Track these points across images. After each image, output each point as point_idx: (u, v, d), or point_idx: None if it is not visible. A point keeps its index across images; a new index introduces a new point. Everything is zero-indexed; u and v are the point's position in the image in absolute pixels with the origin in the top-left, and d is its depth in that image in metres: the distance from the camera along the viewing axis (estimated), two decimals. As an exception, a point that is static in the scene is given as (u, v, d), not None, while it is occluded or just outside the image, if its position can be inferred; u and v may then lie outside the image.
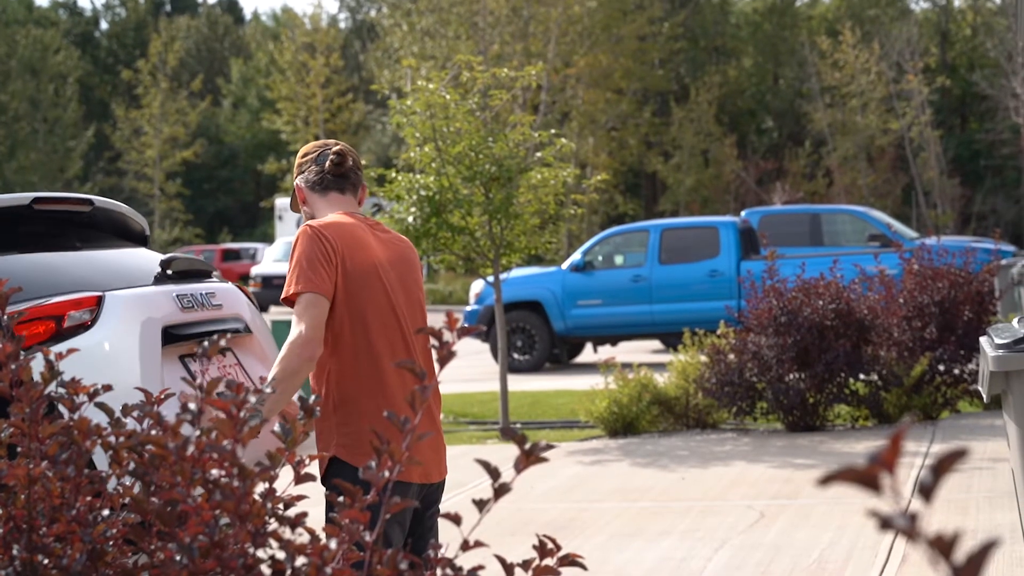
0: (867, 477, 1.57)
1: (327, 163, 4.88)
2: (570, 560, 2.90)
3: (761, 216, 24.78)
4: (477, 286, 21.99)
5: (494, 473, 2.56)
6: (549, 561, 2.85)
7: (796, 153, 57.72)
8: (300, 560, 2.44)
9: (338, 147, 4.89)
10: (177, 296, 6.36)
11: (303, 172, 4.94)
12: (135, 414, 3.00)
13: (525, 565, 2.85)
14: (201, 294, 6.55)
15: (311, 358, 4.50)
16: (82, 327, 5.83)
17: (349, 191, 4.91)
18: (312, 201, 4.91)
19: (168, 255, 6.72)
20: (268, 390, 4.40)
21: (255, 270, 41.51)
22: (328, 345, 4.61)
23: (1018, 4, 12.80)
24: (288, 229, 44.47)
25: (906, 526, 1.55)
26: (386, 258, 4.77)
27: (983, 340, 6.60)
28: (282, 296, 4.65)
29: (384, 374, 4.59)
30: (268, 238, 61.24)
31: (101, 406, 3.12)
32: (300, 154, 4.97)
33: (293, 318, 4.61)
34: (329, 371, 4.62)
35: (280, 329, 14.38)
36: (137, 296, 6.15)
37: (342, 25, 78.61)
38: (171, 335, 6.17)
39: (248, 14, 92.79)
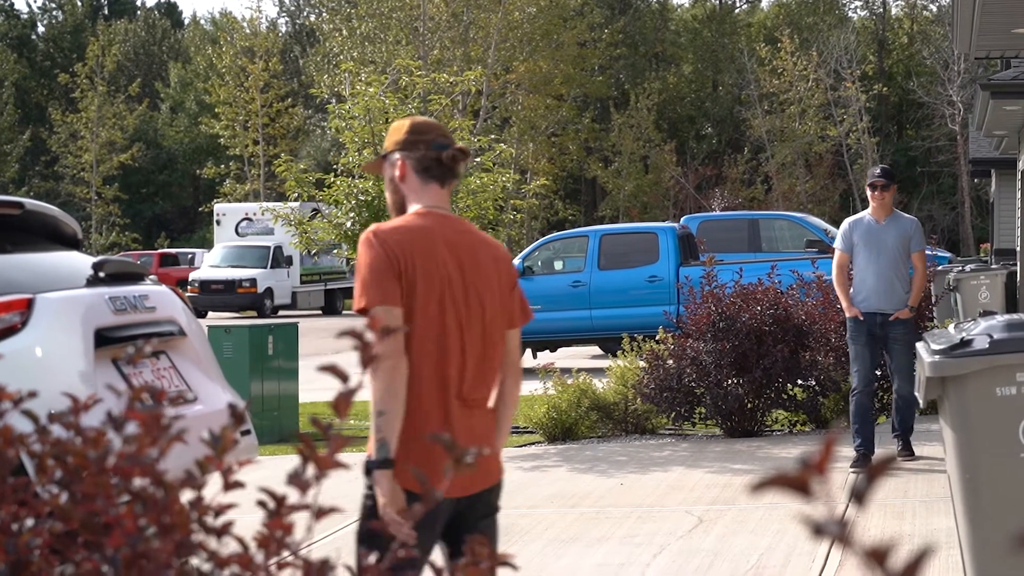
0: (799, 483, 1.54)
1: (448, 155, 4.58)
2: (501, 562, 2.86)
3: (700, 222, 24.87)
4: (416, 291, 21.93)
5: (425, 483, 2.52)
6: (481, 564, 2.81)
7: (735, 159, 58.00)
8: (227, 572, 2.39)
9: (462, 144, 4.61)
10: (110, 298, 6.28)
11: (413, 149, 4.60)
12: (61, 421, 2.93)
13: (456, 568, 2.81)
14: (134, 296, 6.47)
15: (396, 367, 4.31)
16: (12, 330, 5.75)
17: (447, 184, 4.64)
18: (411, 182, 4.59)
19: (100, 258, 6.64)
20: (377, 416, 4.28)
21: (193, 275, 41.26)
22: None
23: (954, 12, 12.90)
24: (227, 234, 44.01)
25: (839, 533, 1.52)
26: (455, 262, 4.51)
27: (919, 346, 6.62)
28: (354, 308, 4.45)
29: (440, 387, 4.44)
30: (207, 243, 60.78)
31: (27, 413, 3.06)
32: (411, 128, 4.62)
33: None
34: None
35: (217, 335, 14.25)
36: (69, 299, 6.07)
37: (282, 30, 78.27)
38: (104, 338, 6.09)
39: (187, 18, 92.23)
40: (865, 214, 11.26)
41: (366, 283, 4.38)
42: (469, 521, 4.52)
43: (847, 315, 11.09)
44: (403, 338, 4.37)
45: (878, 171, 11.26)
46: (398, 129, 4.66)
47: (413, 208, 4.59)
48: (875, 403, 11.35)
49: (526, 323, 4.81)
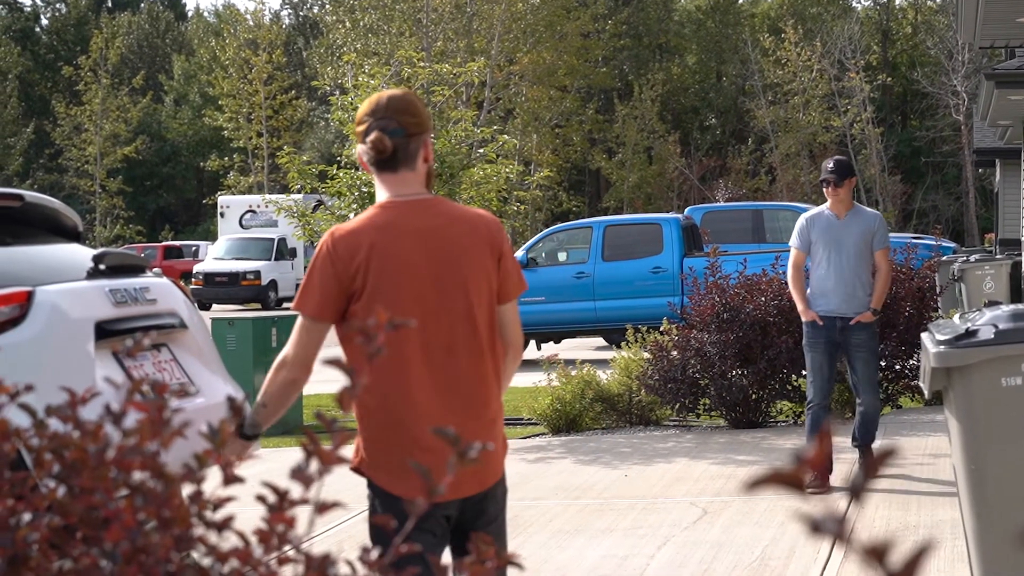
0: (793, 479, 1.52)
1: (363, 149, 4.32)
2: (507, 560, 2.84)
3: (704, 213, 24.85)
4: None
5: (427, 477, 2.50)
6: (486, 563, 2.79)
7: (739, 150, 58.00)
8: (227, 567, 2.37)
9: (374, 134, 4.26)
10: (110, 291, 6.27)
11: (360, 140, 4.36)
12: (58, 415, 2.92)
13: (460, 566, 2.79)
14: (134, 289, 6.45)
15: (292, 381, 4.21)
16: (11, 322, 5.73)
17: (402, 167, 4.29)
18: (372, 172, 4.37)
19: (101, 250, 6.62)
20: (261, 407, 4.26)
21: (198, 267, 41.27)
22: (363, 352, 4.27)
23: (958, 2, 12.86)
24: (231, 227, 44.02)
25: (836, 530, 1.50)
26: (423, 253, 4.24)
27: (924, 336, 6.59)
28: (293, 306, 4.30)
29: (408, 385, 4.20)
30: (211, 235, 60.80)
31: (24, 407, 3.04)
32: (359, 116, 4.37)
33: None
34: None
35: (221, 327, 14.24)
36: (69, 291, 6.05)
37: (285, 22, 78.27)
38: (104, 330, 6.08)
39: (190, 10, 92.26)
40: (823, 209, 10.12)
41: (304, 286, 4.26)
42: (469, 526, 4.29)
43: (804, 319, 10.01)
44: (313, 352, 4.23)
45: (831, 165, 10.01)
46: (356, 117, 4.43)
47: (380, 198, 4.34)
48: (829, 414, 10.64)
49: (522, 293, 4.48)
